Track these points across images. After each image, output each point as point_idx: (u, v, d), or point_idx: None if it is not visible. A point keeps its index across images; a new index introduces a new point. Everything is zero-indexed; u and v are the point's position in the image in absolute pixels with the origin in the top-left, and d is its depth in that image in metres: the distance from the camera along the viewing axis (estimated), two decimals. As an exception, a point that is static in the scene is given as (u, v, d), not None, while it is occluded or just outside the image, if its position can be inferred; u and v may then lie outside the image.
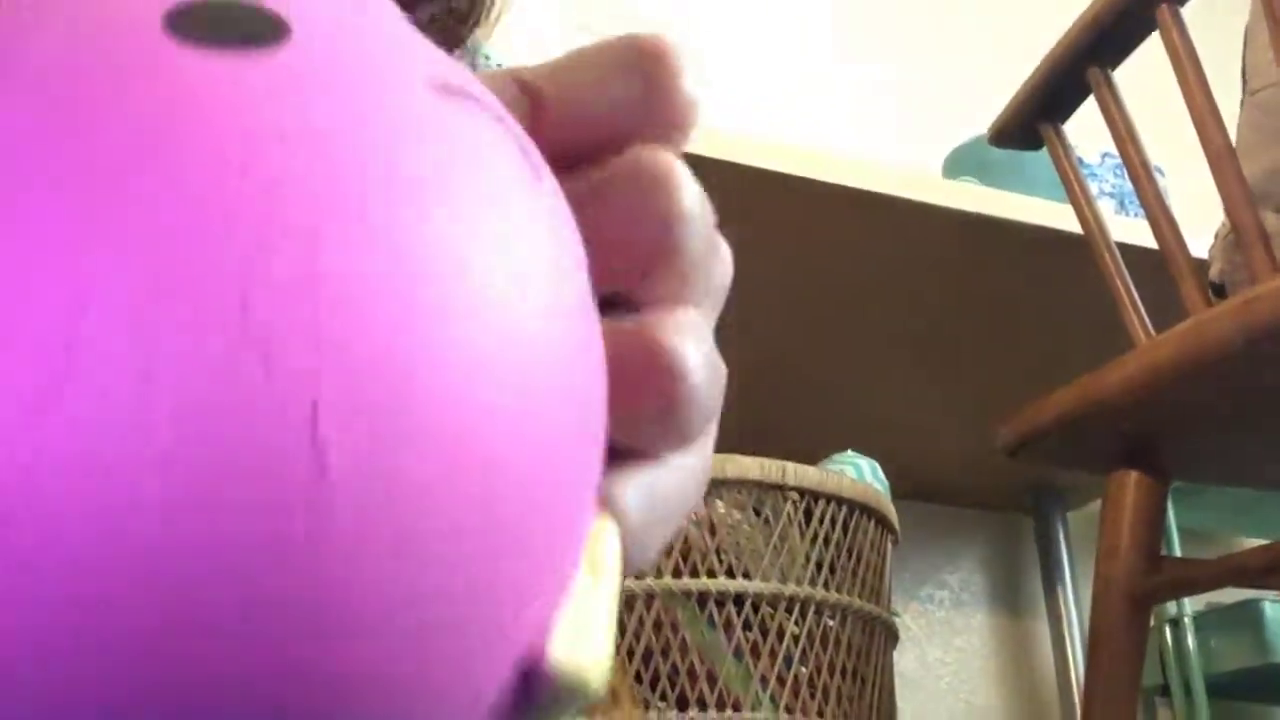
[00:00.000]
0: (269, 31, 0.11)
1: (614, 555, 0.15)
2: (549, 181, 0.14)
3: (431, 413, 0.11)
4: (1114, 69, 0.89)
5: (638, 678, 0.87)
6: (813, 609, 0.91)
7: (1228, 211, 0.78)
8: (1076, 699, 1.51)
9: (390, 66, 0.12)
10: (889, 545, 1.02)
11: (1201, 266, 0.90)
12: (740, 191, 1.00)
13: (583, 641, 0.14)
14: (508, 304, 0.12)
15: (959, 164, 1.42)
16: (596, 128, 0.17)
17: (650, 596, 0.88)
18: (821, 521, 0.93)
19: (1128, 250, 0.93)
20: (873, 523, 0.98)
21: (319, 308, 0.10)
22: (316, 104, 0.11)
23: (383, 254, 0.11)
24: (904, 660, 1.57)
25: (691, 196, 0.17)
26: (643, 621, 0.87)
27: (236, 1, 0.12)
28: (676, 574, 0.88)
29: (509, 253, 0.12)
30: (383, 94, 0.12)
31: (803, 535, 0.92)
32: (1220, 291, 0.91)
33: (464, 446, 0.11)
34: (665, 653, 0.87)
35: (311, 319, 0.10)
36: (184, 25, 0.11)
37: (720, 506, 0.91)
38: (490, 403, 0.11)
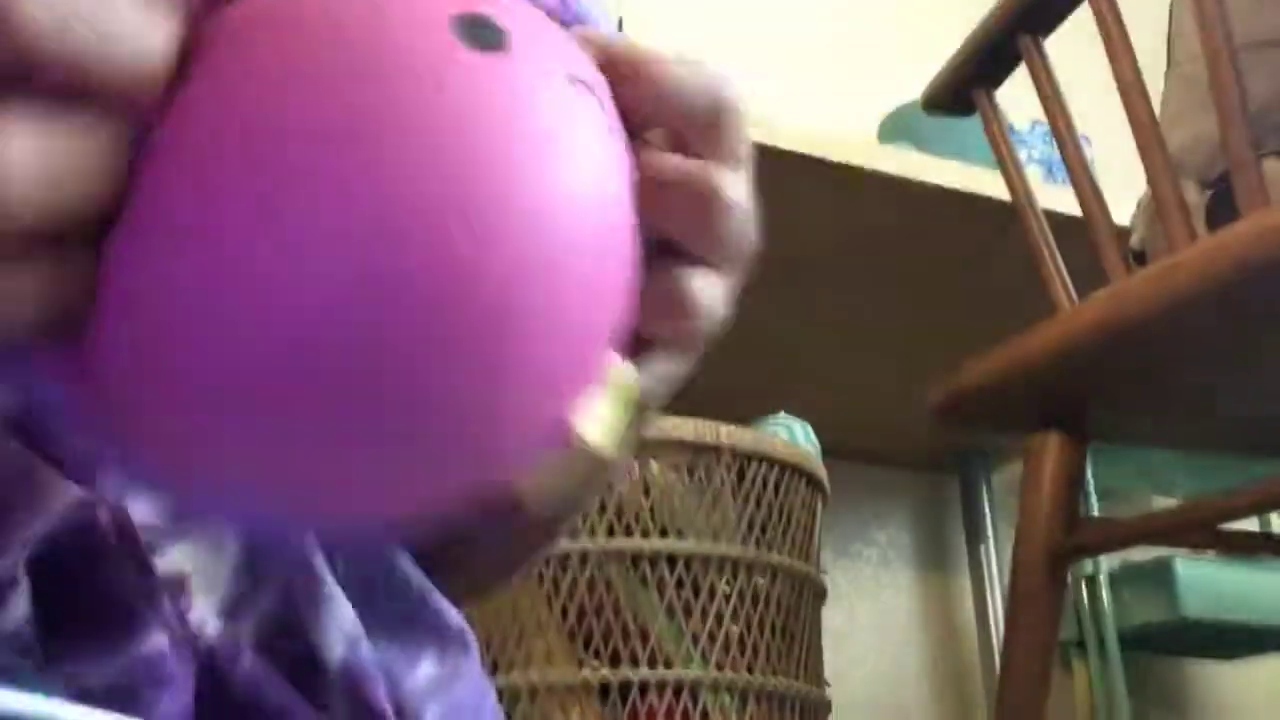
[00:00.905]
0: (501, 39, 0.19)
1: (624, 378, 0.24)
2: (618, 136, 0.22)
3: (539, 235, 0.19)
4: (1045, 37, 0.90)
5: (571, 636, 0.88)
6: (744, 568, 0.92)
7: (1149, 181, 0.80)
8: (996, 653, 1.56)
9: (547, 66, 0.20)
10: (819, 505, 1.03)
11: (1124, 234, 0.92)
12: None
13: (597, 424, 0.22)
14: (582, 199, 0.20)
15: (894, 129, 1.44)
16: (663, 118, 0.25)
17: (584, 557, 0.88)
18: (754, 483, 0.94)
19: (1054, 217, 0.95)
20: (804, 483, 1.00)
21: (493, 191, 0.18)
22: (520, 95, 0.19)
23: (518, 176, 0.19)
24: (832, 617, 1.60)
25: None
26: (576, 581, 0.88)
27: (485, 16, 0.19)
28: (610, 534, 0.89)
29: (591, 179, 0.20)
30: (546, 87, 0.20)
31: (735, 496, 0.93)
32: (1141, 259, 0.93)
33: (556, 261, 0.19)
34: (599, 612, 0.87)
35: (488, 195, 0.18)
36: (463, 31, 0.19)
37: (654, 467, 0.92)
38: (568, 243, 0.19)
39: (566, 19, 0.26)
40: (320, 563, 0.33)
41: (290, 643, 0.33)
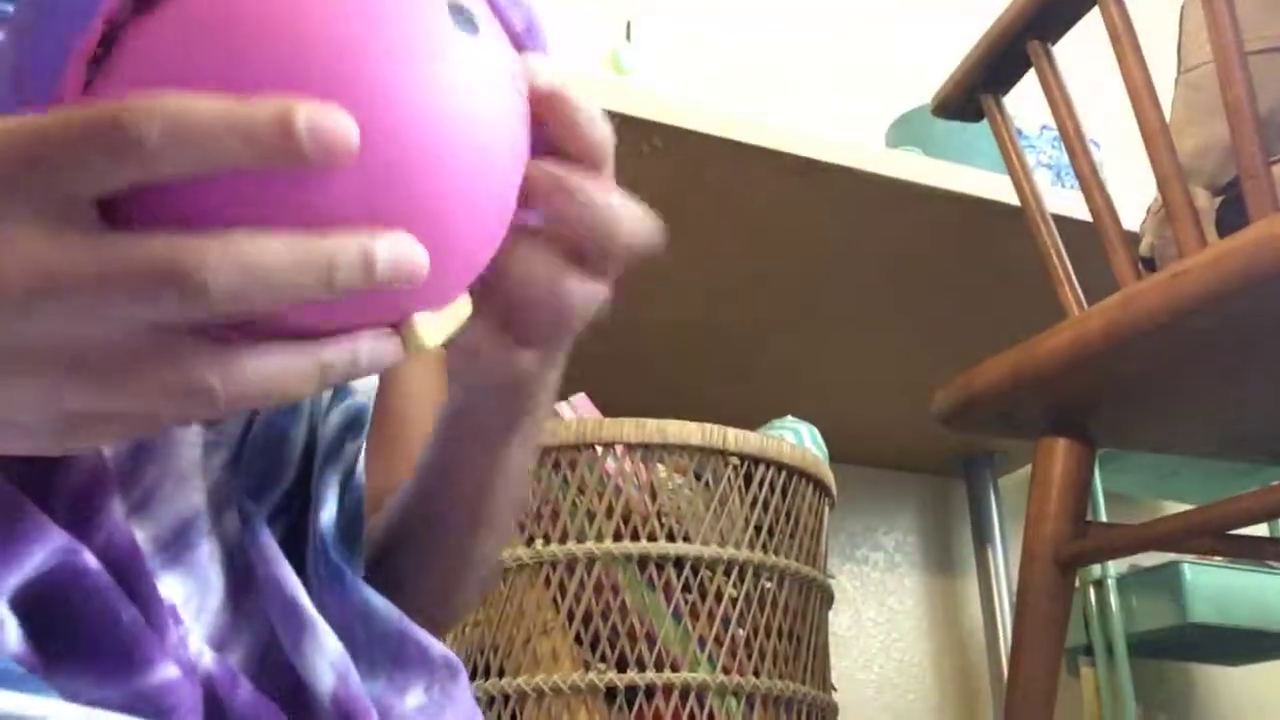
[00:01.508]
0: (473, 25, 0.28)
1: (463, 310, 0.30)
2: (495, 38, 0.30)
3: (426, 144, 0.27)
4: (1054, 43, 0.90)
5: (578, 639, 0.88)
6: (751, 571, 0.92)
7: (1159, 186, 0.80)
8: (1003, 657, 1.55)
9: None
10: (826, 509, 1.03)
11: (1133, 239, 0.92)
12: (684, 157, 1.00)
13: (436, 327, 0.29)
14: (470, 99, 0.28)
15: (902, 134, 1.44)
16: (559, 139, 0.32)
17: (591, 560, 0.88)
18: (761, 486, 0.94)
19: (1062, 222, 0.95)
20: (811, 487, 1.00)
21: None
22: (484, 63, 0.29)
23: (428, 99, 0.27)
24: (839, 620, 1.60)
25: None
26: (583, 584, 0.88)
27: (461, 4, 0.28)
28: (617, 537, 0.89)
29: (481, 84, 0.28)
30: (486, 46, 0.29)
31: (742, 499, 0.93)
32: (1150, 265, 0.93)
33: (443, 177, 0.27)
34: (605, 615, 0.88)
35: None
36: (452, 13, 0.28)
37: (662, 471, 0.92)
38: (454, 147, 0.27)
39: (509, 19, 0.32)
40: (302, 596, 0.34)
41: (279, 674, 0.33)
